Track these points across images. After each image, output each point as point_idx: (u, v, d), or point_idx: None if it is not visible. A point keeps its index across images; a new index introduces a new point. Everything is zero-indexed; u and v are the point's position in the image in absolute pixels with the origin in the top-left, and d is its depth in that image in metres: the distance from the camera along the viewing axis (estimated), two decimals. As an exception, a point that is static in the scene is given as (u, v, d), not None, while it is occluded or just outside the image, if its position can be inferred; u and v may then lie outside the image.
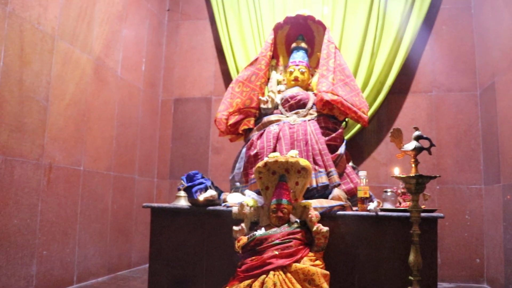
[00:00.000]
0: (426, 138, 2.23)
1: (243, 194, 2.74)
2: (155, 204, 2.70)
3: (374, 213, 2.32)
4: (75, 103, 2.98)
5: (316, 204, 2.37)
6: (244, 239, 2.26)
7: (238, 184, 2.92)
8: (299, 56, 3.19)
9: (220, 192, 2.93)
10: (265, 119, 3.03)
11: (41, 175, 2.65)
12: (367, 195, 2.48)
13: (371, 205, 2.35)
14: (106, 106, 3.36)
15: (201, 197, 2.60)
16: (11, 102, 2.41)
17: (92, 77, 3.18)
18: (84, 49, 3.07)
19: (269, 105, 3.07)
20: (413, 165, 2.18)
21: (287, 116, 3.00)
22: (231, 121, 3.06)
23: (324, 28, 3.20)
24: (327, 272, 2.13)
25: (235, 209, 2.45)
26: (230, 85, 3.23)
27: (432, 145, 2.21)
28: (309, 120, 2.92)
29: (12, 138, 2.42)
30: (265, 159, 2.47)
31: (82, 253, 3.05)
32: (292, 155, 2.42)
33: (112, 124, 3.45)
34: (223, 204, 2.64)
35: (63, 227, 2.86)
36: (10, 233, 2.40)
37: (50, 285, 2.71)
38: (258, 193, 2.60)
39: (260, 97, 3.09)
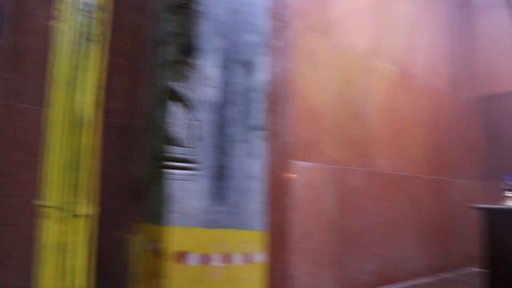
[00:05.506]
0: None
1: None
2: (486, 205, 2.64)
3: None
4: (387, 113, 3.24)
5: None
6: None
7: None
8: None
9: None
10: None
11: (369, 181, 3.00)
12: None
13: None
14: (415, 112, 3.51)
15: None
16: (341, 117, 2.84)
17: (399, 86, 3.39)
18: (388, 61, 3.32)
19: None
20: None
21: None
22: None
23: None
24: None
25: None
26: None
27: None
28: None
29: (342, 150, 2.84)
30: None
31: (405, 253, 3.26)
32: None
33: (422, 129, 3.57)
34: None
35: (391, 229, 3.13)
36: (350, 233, 2.80)
37: (386, 281, 3.01)
38: None
39: None
